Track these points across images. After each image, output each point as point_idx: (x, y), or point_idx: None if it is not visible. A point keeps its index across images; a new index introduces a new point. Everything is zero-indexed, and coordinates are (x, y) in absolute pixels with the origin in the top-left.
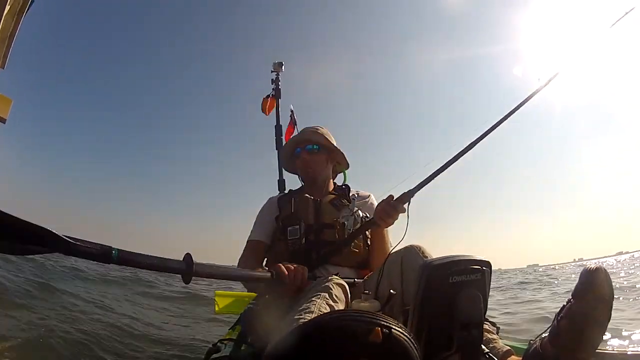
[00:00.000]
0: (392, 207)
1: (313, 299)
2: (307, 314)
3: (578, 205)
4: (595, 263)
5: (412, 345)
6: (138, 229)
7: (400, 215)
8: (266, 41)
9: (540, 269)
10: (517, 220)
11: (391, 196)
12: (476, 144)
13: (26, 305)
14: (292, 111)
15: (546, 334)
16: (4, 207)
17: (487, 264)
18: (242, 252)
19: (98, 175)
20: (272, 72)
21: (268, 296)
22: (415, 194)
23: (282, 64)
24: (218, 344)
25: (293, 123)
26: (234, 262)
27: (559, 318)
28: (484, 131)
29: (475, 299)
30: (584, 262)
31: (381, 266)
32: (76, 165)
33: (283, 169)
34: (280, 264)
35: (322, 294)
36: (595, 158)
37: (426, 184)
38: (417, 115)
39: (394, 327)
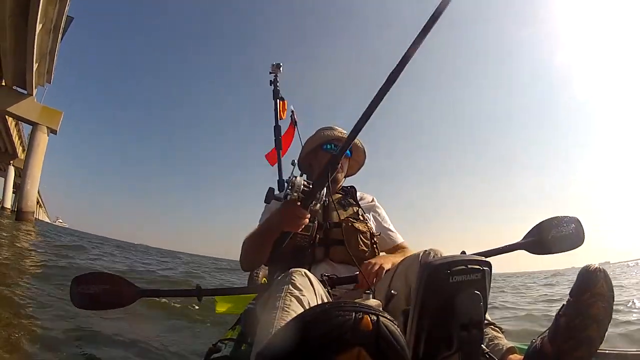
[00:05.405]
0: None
1: (278, 294)
2: (274, 312)
3: None
4: (595, 263)
5: (399, 330)
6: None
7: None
8: (266, 41)
9: (614, 266)
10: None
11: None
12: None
13: None
14: (292, 111)
15: (547, 333)
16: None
17: (487, 264)
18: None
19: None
20: (270, 73)
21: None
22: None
23: (281, 65)
24: (218, 344)
25: (293, 124)
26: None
27: (558, 316)
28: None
29: (475, 298)
30: None
31: (394, 268)
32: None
33: (280, 167)
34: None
35: (285, 286)
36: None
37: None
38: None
39: (380, 314)
